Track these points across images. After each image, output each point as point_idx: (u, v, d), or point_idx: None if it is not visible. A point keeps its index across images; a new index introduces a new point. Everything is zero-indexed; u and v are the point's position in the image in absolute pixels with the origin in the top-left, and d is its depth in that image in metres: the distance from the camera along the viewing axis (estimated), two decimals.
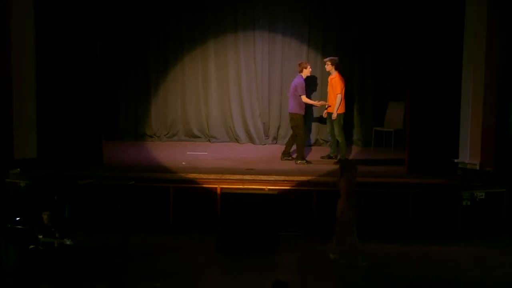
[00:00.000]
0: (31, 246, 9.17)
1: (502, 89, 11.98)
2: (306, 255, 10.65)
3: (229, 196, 10.87)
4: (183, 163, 12.72)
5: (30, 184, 11.55)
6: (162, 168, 12.36)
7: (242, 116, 14.62)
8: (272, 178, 11.57)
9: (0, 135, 12.13)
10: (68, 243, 9.25)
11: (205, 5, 14.53)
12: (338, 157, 12.81)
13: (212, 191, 11.44)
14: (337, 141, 12.99)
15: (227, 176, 11.68)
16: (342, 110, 12.84)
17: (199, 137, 14.76)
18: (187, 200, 11.51)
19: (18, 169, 11.94)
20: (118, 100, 14.87)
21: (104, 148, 12.78)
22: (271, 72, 14.43)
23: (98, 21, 12.55)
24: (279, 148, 13.72)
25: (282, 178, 11.60)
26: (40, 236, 9.28)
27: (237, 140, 14.63)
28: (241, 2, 14.49)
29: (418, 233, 11.18)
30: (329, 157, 13.10)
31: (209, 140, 14.71)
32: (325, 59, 13.05)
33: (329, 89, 12.96)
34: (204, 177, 11.65)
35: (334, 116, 12.73)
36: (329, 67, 12.85)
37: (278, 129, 14.61)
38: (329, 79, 13.00)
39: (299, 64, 12.97)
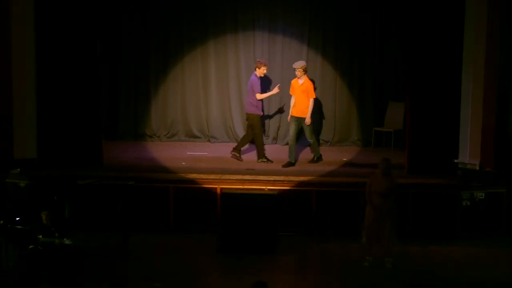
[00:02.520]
0: (31, 246, 9.18)
1: (502, 89, 11.99)
2: (306, 255, 10.66)
3: (229, 196, 10.88)
4: (183, 163, 12.72)
5: (30, 184, 11.55)
6: (162, 168, 12.35)
7: (242, 116, 14.59)
8: (272, 178, 11.58)
9: (0, 135, 12.13)
10: (67, 243, 9.25)
11: (205, 5, 14.50)
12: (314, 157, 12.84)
13: (212, 191, 11.44)
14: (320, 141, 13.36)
15: (227, 176, 11.68)
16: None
17: (199, 137, 14.73)
18: (187, 200, 11.52)
19: (18, 169, 11.94)
20: (118, 100, 14.85)
21: (104, 148, 12.77)
22: (271, 72, 14.40)
23: (98, 21, 12.54)
24: (279, 148, 13.73)
25: (282, 178, 11.61)
26: (40, 236, 9.28)
27: (237, 140, 14.57)
28: (241, 2, 14.46)
29: (418, 233, 11.18)
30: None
31: (209, 140, 14.69)
32: (294, 66, 12.60)
33: (297, 92, 12.52)
34: (204, 177, 11.65)
35: (308, 121, 12.46)
36: (300, 73, 12.48)
37: (278, 129, 14.59)
38: (295, 84, 12.58)
39: (257, 61, 12.88)
